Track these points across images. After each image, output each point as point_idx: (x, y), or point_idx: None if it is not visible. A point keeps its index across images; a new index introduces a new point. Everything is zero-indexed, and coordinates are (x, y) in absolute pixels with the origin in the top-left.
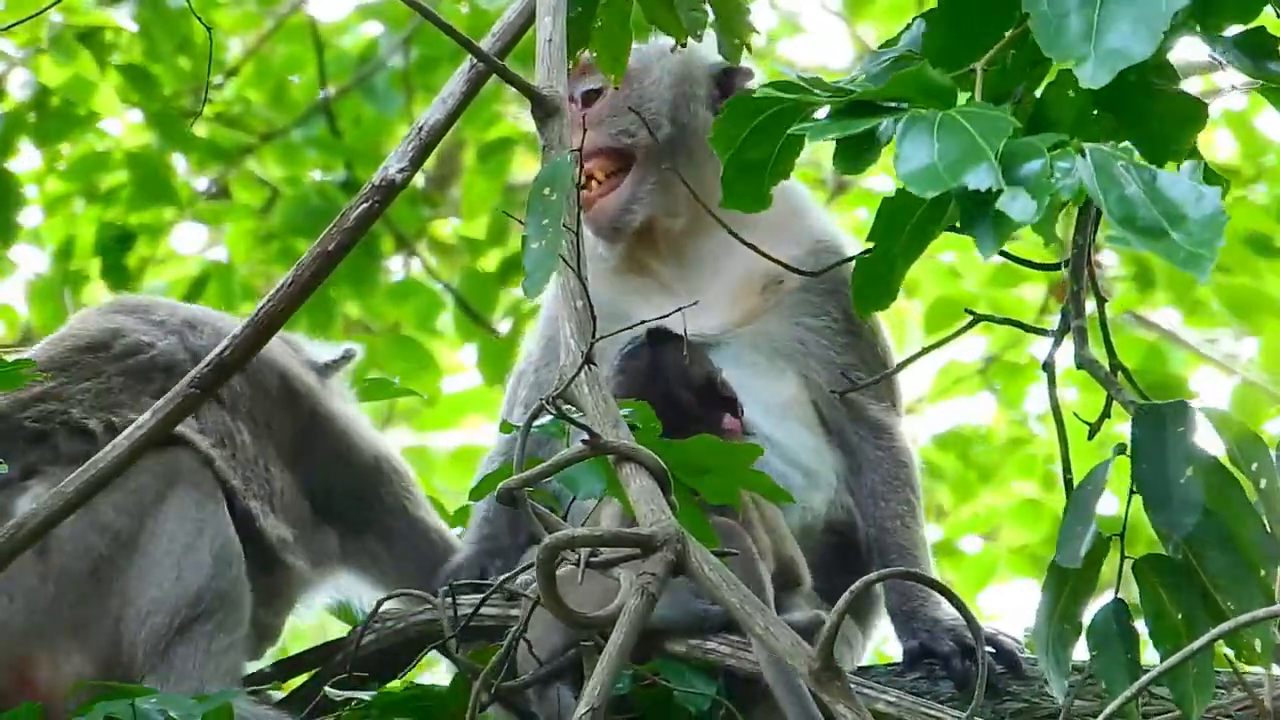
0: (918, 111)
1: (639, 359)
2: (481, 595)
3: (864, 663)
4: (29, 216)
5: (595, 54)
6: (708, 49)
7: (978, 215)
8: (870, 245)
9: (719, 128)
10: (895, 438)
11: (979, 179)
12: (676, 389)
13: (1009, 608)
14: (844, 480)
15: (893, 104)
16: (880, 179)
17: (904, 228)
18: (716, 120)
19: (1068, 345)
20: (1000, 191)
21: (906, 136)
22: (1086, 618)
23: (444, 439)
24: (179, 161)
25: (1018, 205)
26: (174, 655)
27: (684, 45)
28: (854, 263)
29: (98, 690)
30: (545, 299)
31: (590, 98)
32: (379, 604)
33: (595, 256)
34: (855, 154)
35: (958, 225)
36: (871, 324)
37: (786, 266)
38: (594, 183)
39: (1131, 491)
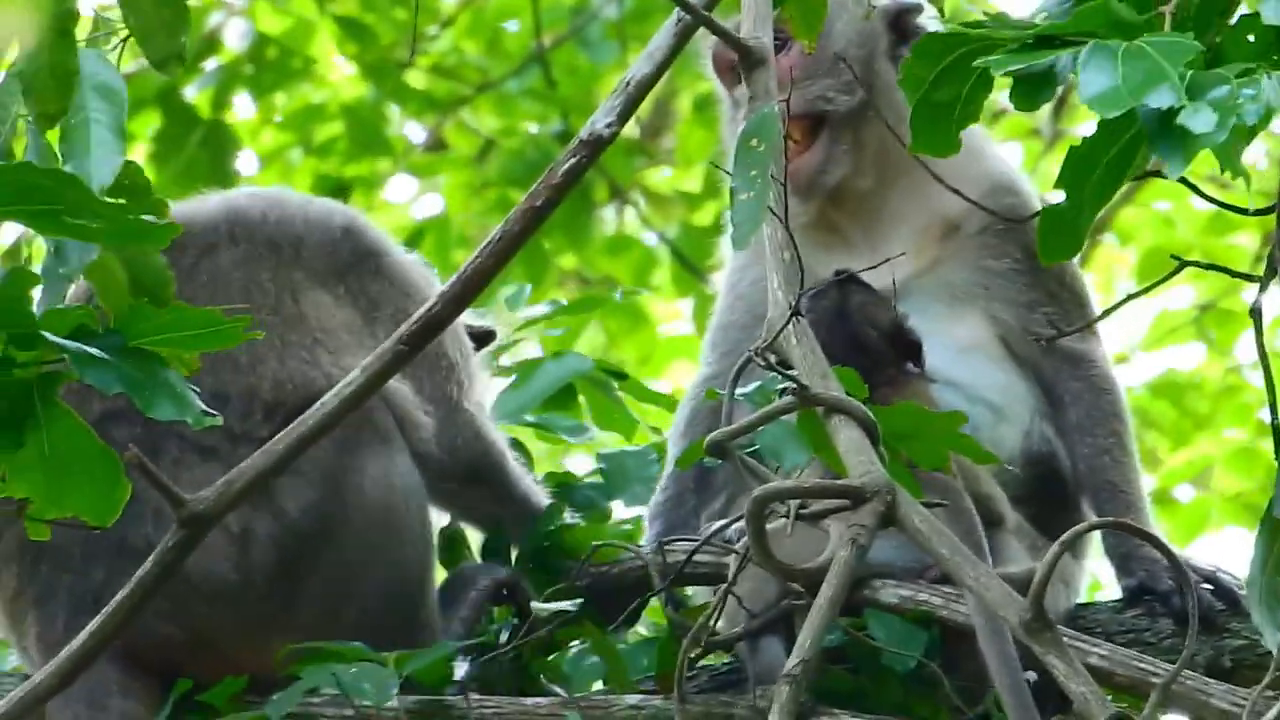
0: (1101, 41)
1: (826, 300)
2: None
3: (1082, 599)
4: (246, 165)
5: (789, 17)
6: None
7: (1163, 135)
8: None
9: (907, 70)
10: (1094, 364)
11: (1161, 98)
12: (864, 330)
13: (1223, 556)
14: (1041, 413)
15: (1078, 38)
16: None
17: (1091, 175)
18: (904, 63)
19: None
20: (1182, 109)
21: (1089, 63)
22: None
23: (656, 386)
24: (394, 113)
25: (1199, 119)
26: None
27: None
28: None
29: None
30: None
31: (778, 48)
32: (594, 549)
33: None
34: (1033, 90)
35: (1151, 161)
36: None
37: (987, 210)
38: (790, 142)
39: None
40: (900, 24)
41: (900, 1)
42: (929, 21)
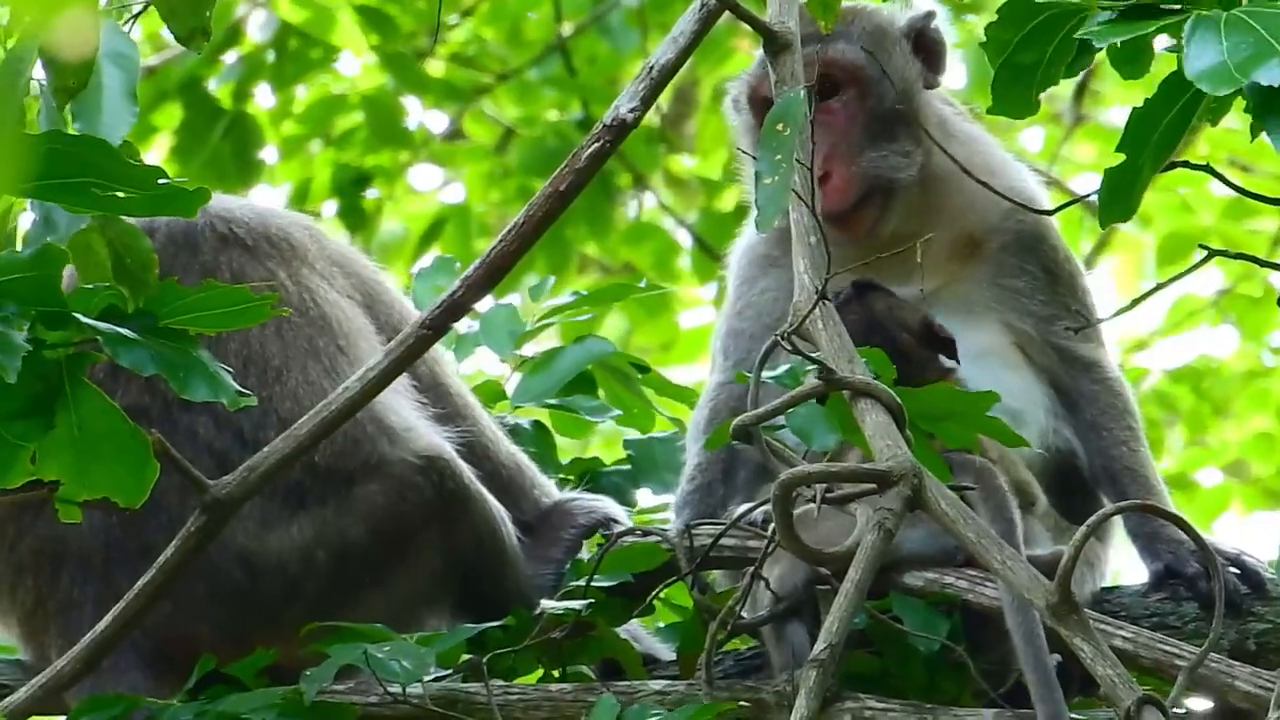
0: (1203, 12)
1: (852, 313)
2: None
3: (1107, 583)
4: (265, 156)
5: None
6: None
7: (1270, 110)
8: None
9: (993, 32)
10: (1106, 370)
11: (1270, 75)
12: (895, 332)
13: (1245, 542)
14: (1056, 414)
15: (1172, 6)
16: (1115, 113)
17: (1151, 137)
18: (990, 25)
19: None
20: None
21: (1195, 36)
22: None
23: (682, 374)
24: (414, 103)
25: None
26: None
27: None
28: (1101, 176)
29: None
30: (742, 242)
31: (828, 92)
32: (617, 536)
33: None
34: (1134, 58)
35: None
36: (1071, 270)
37: (1026, 208)
38: (826, 185)
39: None
40: (923, 42)
41: (913, 18)
42: (942, 24)
